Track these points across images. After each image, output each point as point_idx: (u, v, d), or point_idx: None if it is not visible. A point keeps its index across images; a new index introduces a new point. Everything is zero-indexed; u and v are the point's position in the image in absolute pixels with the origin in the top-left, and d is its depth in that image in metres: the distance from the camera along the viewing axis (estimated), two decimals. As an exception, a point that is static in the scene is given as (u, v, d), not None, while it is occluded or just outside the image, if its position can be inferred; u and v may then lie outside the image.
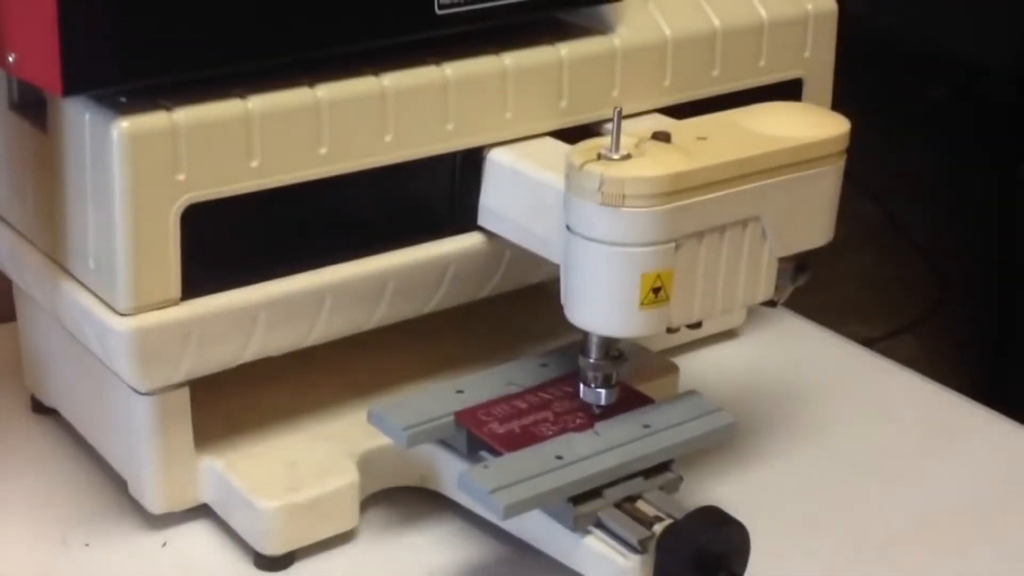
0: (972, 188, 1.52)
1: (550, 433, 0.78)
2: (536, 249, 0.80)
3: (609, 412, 0.80)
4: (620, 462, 0.76)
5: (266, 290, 0.76)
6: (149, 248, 0.72)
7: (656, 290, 0.73)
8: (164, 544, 0.81)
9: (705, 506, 0.74)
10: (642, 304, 0.73)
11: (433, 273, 0.82)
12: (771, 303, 0.81)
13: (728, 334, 1.04)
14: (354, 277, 0.79)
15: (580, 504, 0.75)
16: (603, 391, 0.79)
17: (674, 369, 0.92)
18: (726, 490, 0.86)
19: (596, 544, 0.75)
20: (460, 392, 0.82)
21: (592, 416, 0.80)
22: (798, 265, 0.80)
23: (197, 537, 0.82)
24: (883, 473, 0.90)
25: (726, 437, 0.81)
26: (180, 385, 0.78)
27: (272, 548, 0.78)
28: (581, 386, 0.80)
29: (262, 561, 0.79)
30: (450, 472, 0.82)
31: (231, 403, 0.84)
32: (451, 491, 0.82)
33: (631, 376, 0.83)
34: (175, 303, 0.74)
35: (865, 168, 1.03)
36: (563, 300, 0.76)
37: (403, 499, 0.84)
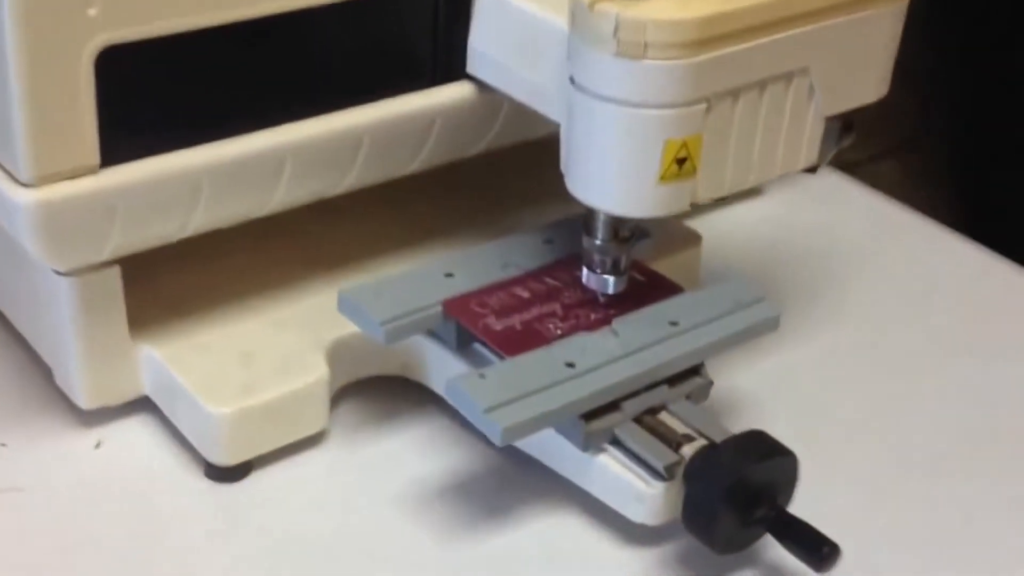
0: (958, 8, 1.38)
1: (558, 332, 0.65)
2: (533, 104, 0.65)
3: (629, 304, 0.67)
4: (643, 370, 0.63)
5: (209, 153, 0.62)
6: (55, 104, 0.57)
7: (681, 161, 0.59)
8: (97, 445, 0.68)
9: (749, 432, 0.61)
10: (662, 178, 0.59)
11: (414, 131, 0.68)
12: (811, 168, 0.67)
13: (751, 191, 0.90)
14: (319, 137, 0.64)
15: (593, 420, 0.62)
16: (611, 278, 0.66)
17: (696, 240, 0.79)
18: (745, 381, 0.73)
19: (612, 465, 0.62)
20: (449, 276, 0.68)
21: (608, 310, 0.67)
22: (845, 123, 0.66)
23: (137, 436, 0.69)
24: (933, 363, 0.78)
25: (768, 332, 0.68)
26: (108, 264, 0.64)
27: (225, 458, 0.66)
28: (584, 270, 0.66)
29: (213, 471, 0.66)
30: (436, 362, 0.69)
31: (174, 281, 0.71)
32: (437, 383, 0.70)
33: (645, 248, 0.71)
34: (92, 171, 0.59)
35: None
36: (563, 168, 0.62)
37: (380, 391, 0.72)
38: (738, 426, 0.64)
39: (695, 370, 0.66)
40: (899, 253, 0.88)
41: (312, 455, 0.68)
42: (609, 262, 0.66)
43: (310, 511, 0.65)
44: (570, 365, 0.62)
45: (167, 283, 0.71)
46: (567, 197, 0.62)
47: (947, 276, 0.86)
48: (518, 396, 0.60)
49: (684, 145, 0.59)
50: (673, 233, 0.78)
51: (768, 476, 0.60)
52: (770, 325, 0.67)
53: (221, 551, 0.63)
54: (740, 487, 0.59)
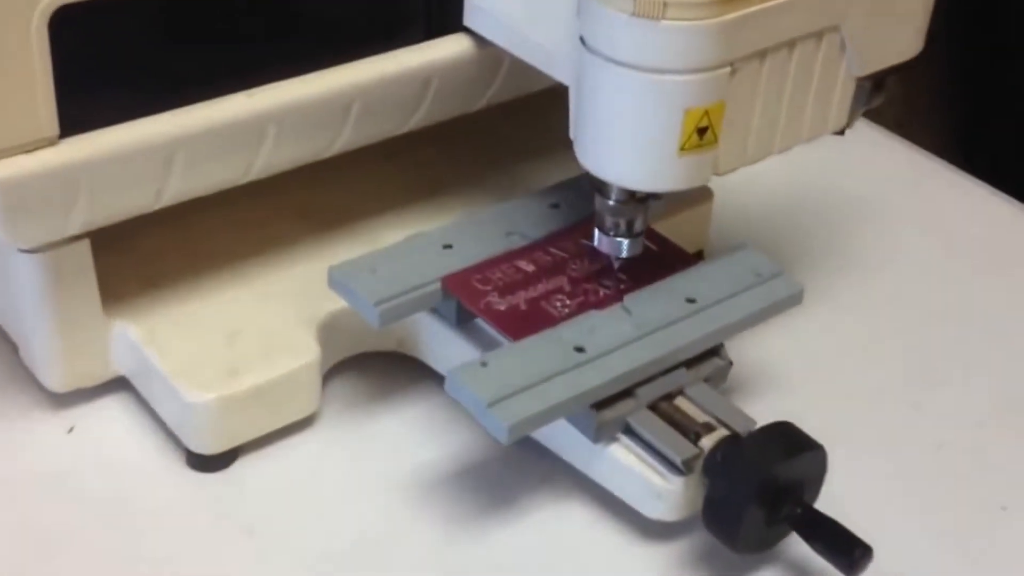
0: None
1: (566, 311, 0.60)
2: (537, 64, 0.59)
3: (641, 275, 0.62)
4: (659, 354, 0.58)
5: (181, 120, 0.56)
6: (6, 71, 0.51)
7: (702, 131, 0.53)
8: (70, 430, 0.63)
9: (776, 424, 0.56)
10: (682, 149, 0.53)
11: (408, 90, 0.62)
12: (839, 131, 0.61)
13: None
14: (304, 100, 0.59)
15: (605, 408, 0.57)
16: (624, 241, 0.61)
17: (707, 196, 0.73)
18: (764, 351, 0.68)
19: (626, 458, 0.58)
20: (448, 247, 0.63)
21: (619, 284, 0.61)
22: (876, 82, 0.60)
23: (113, 420, 0.64)
24: (964, 323, 0.73)
25: (791, 307, 0.63)
26: (76, 238, 0.59)
27: (207, 447, 0.61)
28: (596, 232, 0.61)
29: (195, 460, 0.62)
30: (435, 339, 0.64)
31: (151, 248, 0.66)
32: (436, 361, 0.65)
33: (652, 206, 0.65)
34: (51, 143, 0.54)
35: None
36: (572, 135, 0.56)
37: (374, 366, 0.67)
38: (756, 405, 0.60)
39: (714, 350, 0.61)
40: (927, 204, 0.83)
41: (302, 439, 0.64)
42: (624, 224, 0.60)
43: (300, 502, 0.61)
44: (580, 349, 0.57)
45: (143, 250, 0.65)
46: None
47: (976, 228, 0.81)
48: (524, 387, 0.55)
49: (706, 114, 0.53)
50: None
51: (796, 472, 0.55)
52: (793, 300, 0.62)
53: (204, 547, 0.59)
54: (766, 486, 0.54)
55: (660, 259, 0.63)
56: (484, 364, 0.56)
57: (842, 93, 0.59)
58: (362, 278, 0.60)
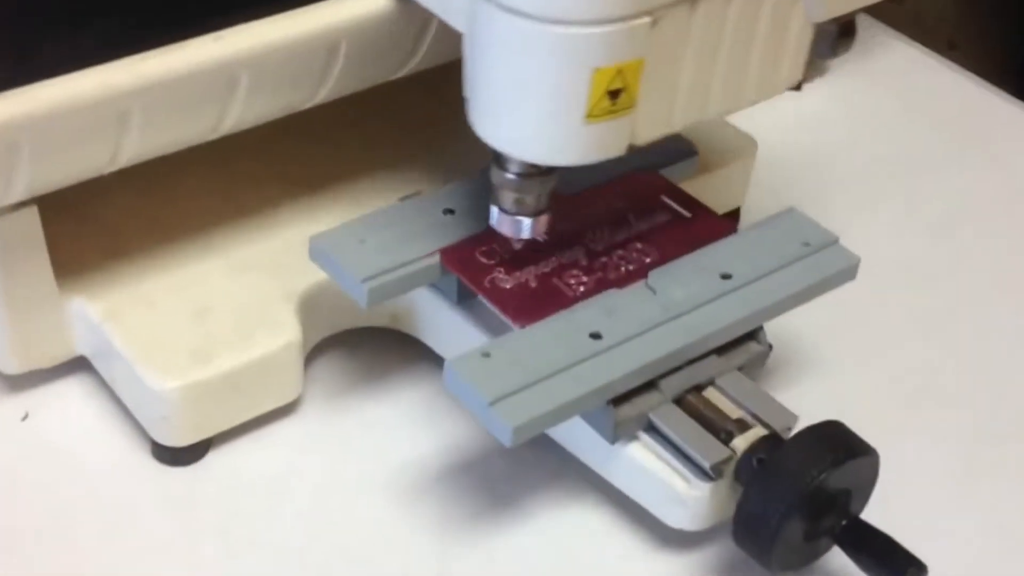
0: None
1: (581, 290, 0.52)
2: (433, 9, 0.49)
3: (669, 247, 0.54)
4: (687, 342, 0.51)
5: (137, 70, 0.48)
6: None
7: (615, 93, 0.45)
8: (25, 417, 0.57)
9: (822, 425, 0.49)
10: (590, 115, 0.45)
11: (402, 28, 0.54)
12: (795, 86, 0.53)
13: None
14: (283, 42, 0.50)
15: (624, 403, 0.50)
16: (526, 221, 0.51)
17: (749, 148, 0.65)
18: (805, 326, 0.61)
19: (646, 458, 0.51)
20: (448, 212, 0.55)
21: (644, 256, 0.54)
22: (843, 27, 0.52)
23: (72, 405, 0.57)
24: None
25: (844, 283, 0.55)
26: (22, 205, 0.51)
27: (174, 438, 0.54)
28: (493, 210, 0.52)
29: (162, 453, 0.55)
30: (432, 315, 0.57)
31: (110, 218, 0.58)
32: (433, 340, 0.57)
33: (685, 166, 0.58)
34: (-16, 99, 0.46)
35: None
36: (466, 94, 0.47)
37: (366, 346, 0.59)
38: (793, 390, 0.53)
39: (751, 333, 0.53)
40: (989, 146, 0.75)
41: (282, 429, 0.57)
42: (529, 201, 0.51)
43: (278, 501, 0.54)
44: (596, 336, 0.50)
45: (102, 218, 0.58)
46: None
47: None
48: (531, 381, 0.48)
49: (619, 73, 0.44)
50: (718, 138, 0.64)
51: (843, 482, 0.48)
52: (847, 275, 0.55)
53: (171, 549, 0.52)
54: (809, 499, 0.47)
55: (691, 227, 0.55)
56: (486, 355, 0.49)
57: (797, 44, 0.50)
58: (348, 249, 0.53)
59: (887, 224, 0.68)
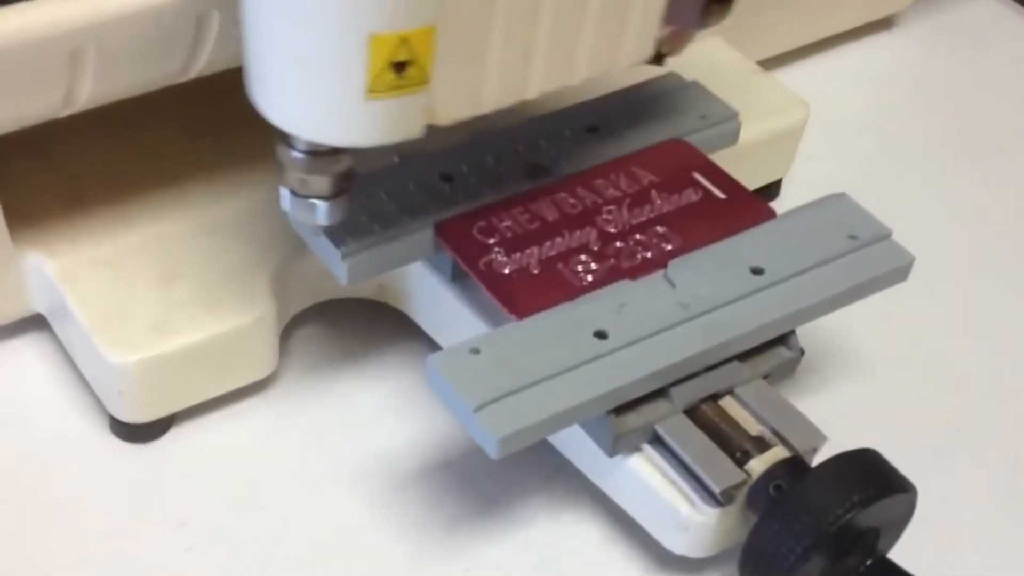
0: None
1: (589, 279, 0.46)
2: None
3: (695, 235, 0.48)
4: (707, 346, 0.44)
5: (89, 5, 0.42)
6: None
7: (401, 66, 0.38)
8: (-27, 377, 0.52)
9: (855, 454, 0.43)
10: (372, 90, 0.38)
11: None
12: (657, 58, 0.46)
13: (880, 24, 0.69)
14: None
15: (627, 413, 0.44)
16: (321, 204, 0.44)
17: (800, 110, 0.59)
18: (842, 324, 0.54)
19: (649, 475, 0.45)
20: (446, 179, 0.49)
21: (666, 242, 0.47)
22: None
23: (25, 369, 0.52)
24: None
25: (894, 284, 0.49)
26: (-34, 150, 0.46)
27: (133, 414, 0.49)
28: (282, 191, 0.44)
29: (120, 428, 0.49)
30: (424, 291, 0.51)
31: (72, 167, 0.52)
32: (424, 318, 0.52)
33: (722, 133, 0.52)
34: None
35: None
36: (244, 65, 0.41)
37: (351, 318, 0.54)
38: (824, 400, 0.47)
39: (781, 337, 0.47)
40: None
41: (253, 407, 0.51)
42: (319, 184, 0.43)
43: (243, 489, 0.48)
44: (601, 335, 0.44)
45: (63, 167, 0.52)
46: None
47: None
48: (524, 384, 0.42)
49: (404, 42, 0.38)
50: (761, 97, 0.58)
51: (872, 520, 0.42)
52: (897, 276, 0.48)
53: (123, 538, 0.47)
54: (831, 539, 0.41)
55: (723, 211, 0.49)
56: (475, 351, 0.43)
57: (645, 12, 0.43)
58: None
59: (949, 208, 0.62)
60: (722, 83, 0.58)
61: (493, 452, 0.41)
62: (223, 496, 0.48)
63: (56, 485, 0.48)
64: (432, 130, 0.41)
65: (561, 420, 0.42)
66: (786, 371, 0.47)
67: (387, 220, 0.47)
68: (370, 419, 0.50)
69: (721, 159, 0.53)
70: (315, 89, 0.38)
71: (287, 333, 0.52)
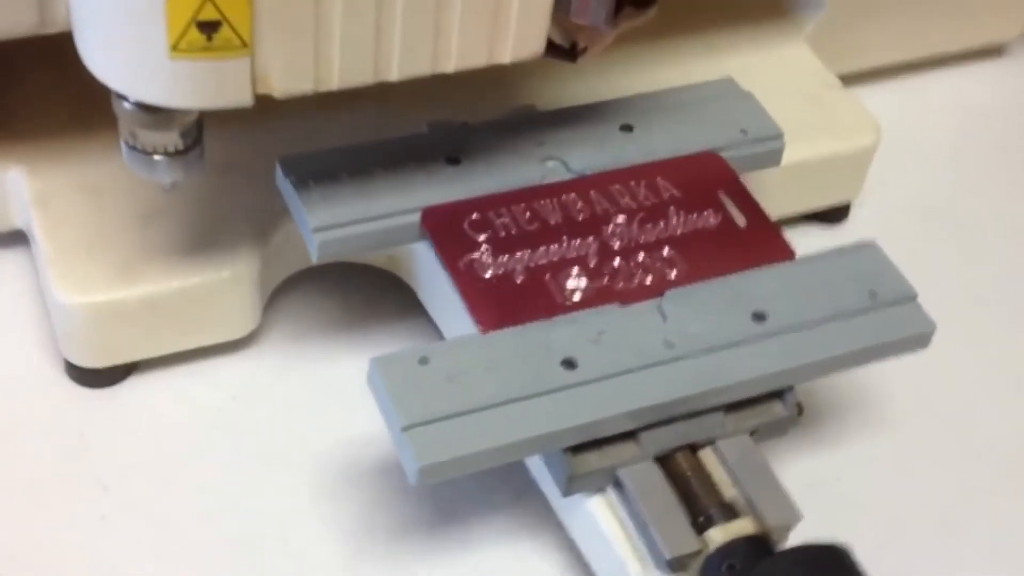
0: None
1: (576, 298, 0.42)
2: None
3: (702, 262, 0.43)
4: (686, 393, 0.40)
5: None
6: None
7: (208, 26, 0.35)
8: (-53, 288, 0.50)
9: (823, 549, 0.38)
10: (176, 49, 0.36)
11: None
12: (569, 53, 0.42)
13: (986, 51, 0.62)
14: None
15: (586, 453, 0.40)
16: (162, 159, 0.41)
17: (870, 131, 0.53)
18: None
19: (604, 517, 0.41)
20: (453, 162, 0.45)
21: (669, 269, 0.43)
22: None
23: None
24: None
25: (911, 351, 0.44)
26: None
27: (83, 358, 0.46)
28: (123, 146, 0.41)
29: (72, 369, 0.47)
30: (424, 269, 0.47)
31: (66, 86, 0.49)
32: (425, 296, 0.48)
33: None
34: None
35: None
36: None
37: (355, 284, 0.50)
38: (822, 454, 0.42)
39: (776, 392, 0.42)
40: None
41: (225, 366, 0.48)
42: (157, 139, 0.40)
43: (190, 454, 0.46)
44: (569, 364, 0.40)
45: (73, 80, 0.49)
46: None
47: None
48: (469, 408, 0.38)
49: (208, 2, 0.35)
50: (834, 114, 0.53)
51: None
52: (913, 344, 0.43)
53: (41, 491, 0.44)
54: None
55: (739, 241, 0.44)
56: (424, 360, 0.39)
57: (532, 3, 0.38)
58: (316, 184, 0.43)
59: (1015, 255, 0.56)
60: (794, 94, 0.53)
61: (413, 478, 0.37)
62: (160, 463, 0.45)
63: (7, 416, 0.46)
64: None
65: (503, 454, 0.38)
66: (778, 429, 0.42)
67: (374, 197, 0.43)
68: (347, 400, 0.47)
69: (775, 174, 0.48)
70: (122, 43, 0.36)
71: (283, 292, 0.49)
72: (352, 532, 0.44)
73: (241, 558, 0.43)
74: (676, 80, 0.50)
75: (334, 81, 0.38)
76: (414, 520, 0.44)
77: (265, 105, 0.38)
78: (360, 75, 0.38)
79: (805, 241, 0.53)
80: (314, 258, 0.43)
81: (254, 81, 0.37)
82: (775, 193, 0.52)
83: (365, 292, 0.50)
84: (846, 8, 0.56)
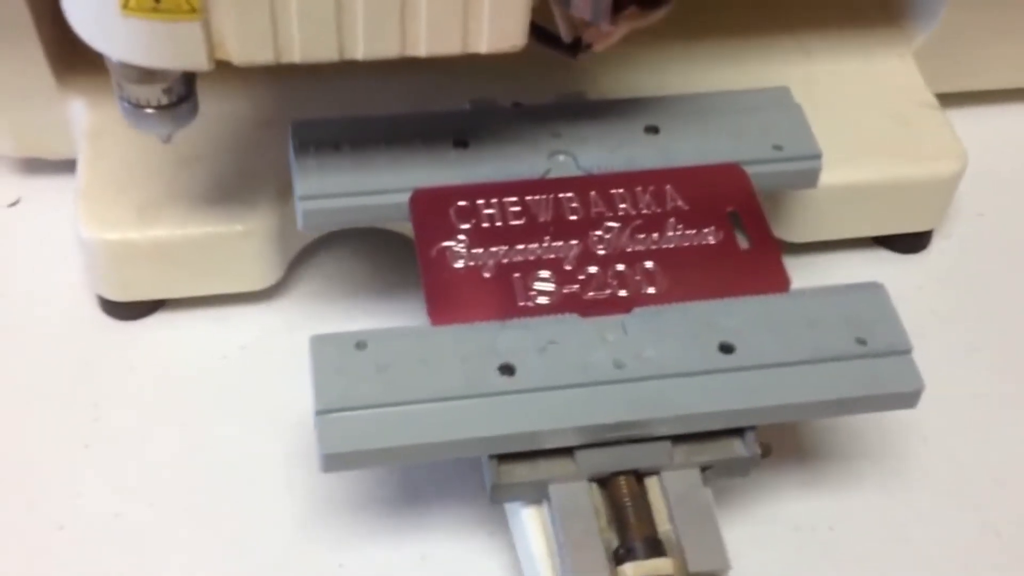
0: None
1: (540, 301, 0.41)
2: None
3: (685, 283, 0.41)
4: (619, 419, 0.38)
5: None
6: None
7: None
8: (15, 202, 0.52)
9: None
10: (126, 7, 0.36)
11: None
12: (571, 48, 0.40)
13: None
14: None
15: (513, 462, 0.39)
16: (150, 114, 0.41)
17: (955, 159, 0.49)
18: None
19: (533, 530, 0.40)
20: (461, 145, 0.44)
21: (647, 285, 0.41)
22: None
23: (62, 207, 0.51)
24: None
25: (893, 410, 0.41)
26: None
27: (102, 289, 0.48)
28: (116, 97, 0.41)
29: (102, 301, 0.49)
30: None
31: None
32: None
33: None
34: None
35: None
36: None
37: (385, 251, 0.51)
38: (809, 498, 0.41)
39: (738, 430, 0.40)
40: None
41: (245, 315, 0.49)
42: (141, 92, 0.40)
43: (189, 396, 0.47)
44: (507, 370, 0.39)
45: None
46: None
47: None
48: (391, 401, 0.38)
49: None
50: (919, 138, 0.49)
51: None
52: (897, 402, 0.40)
53: (33, 410, 0.46)
54: None
55: (734, 264, 0.42)
56: (361, 345, 0.39)
57: None
58: (316, 151, 0.43)
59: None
60: (883, 109, 0.50)
61: (321, 465, 0.38)
62: (152, 401, 0.47)
63: (29, 332, 0.48)
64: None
65: (414, 454, 0.38)
66: (738, 469, 0.40)
67: (369, 172, 0.43)
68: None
69: (837, 192, 0.46)
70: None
71: (318, 251, 0.50)
72: (311, 501, 0.44)
73: (199, 506, 0.44)
74: (757, 82, 0.48)
75: (295, 54, 0.38)
76: (372, 500, 0.45)
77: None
78: (324, 50, 0.38)
79: (868, 268, 0.51)
80: (299, 227, 0.43)
81: (211, 46, 0.37)
82: (837, 213, 0.49)
83: (397, 259, 0.50)
84: (960, 25, 0.52)
